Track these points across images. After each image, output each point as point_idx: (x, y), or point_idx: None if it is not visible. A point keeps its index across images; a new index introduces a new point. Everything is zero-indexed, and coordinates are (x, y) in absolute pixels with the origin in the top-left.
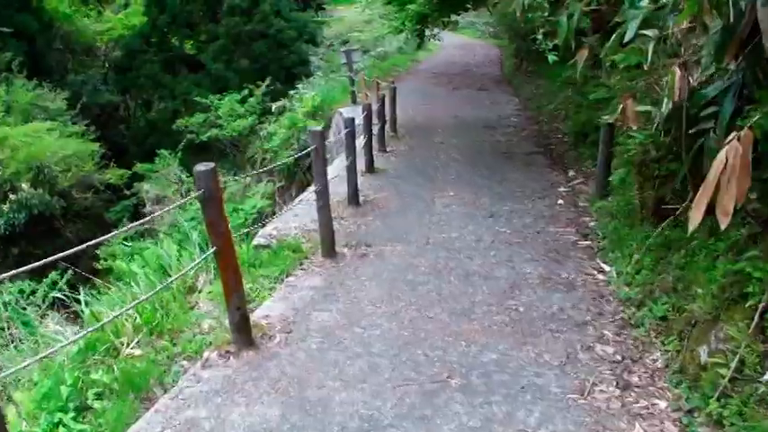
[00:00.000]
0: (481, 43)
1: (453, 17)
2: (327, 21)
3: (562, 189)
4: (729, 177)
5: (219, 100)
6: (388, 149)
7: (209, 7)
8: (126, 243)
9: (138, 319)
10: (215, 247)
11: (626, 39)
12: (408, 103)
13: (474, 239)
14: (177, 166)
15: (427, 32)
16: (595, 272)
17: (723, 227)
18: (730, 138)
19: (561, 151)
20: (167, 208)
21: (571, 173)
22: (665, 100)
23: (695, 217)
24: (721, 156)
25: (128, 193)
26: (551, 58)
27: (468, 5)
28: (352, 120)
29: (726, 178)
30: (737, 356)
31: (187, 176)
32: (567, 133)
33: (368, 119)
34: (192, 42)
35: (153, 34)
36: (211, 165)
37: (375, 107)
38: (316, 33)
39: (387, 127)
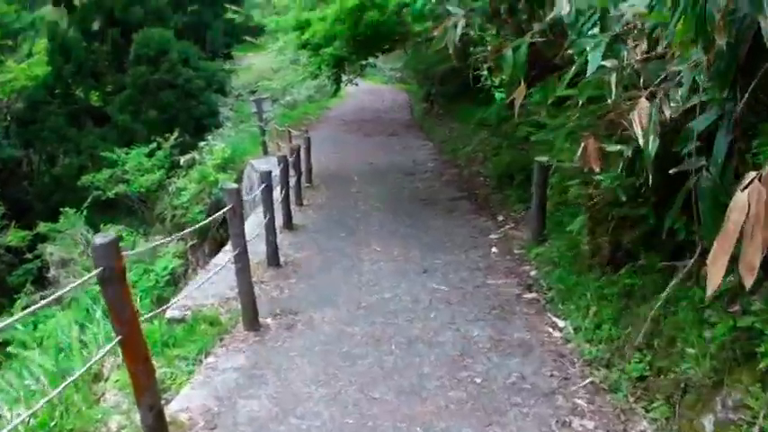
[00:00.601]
0: (389, 88)
1: (371, 59)
2: (236, 69)
3: (493, 236)
4: (753, 226)
5: (126, 154)
6: (305, 202)
7: (116, 56)
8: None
9: (33, 421)
10: (119, 337)
11: (589, 71)
12: (321, 152)
13: (410, 300)
14: (83, 226)
15: (344, 77)
16: (549, 329)
17: (748, 285)
18: (750, 179)
19: (485, 195)
20: (68, 288)
21: (500, 218)
22: (651, 137)
23: (715, 275)
24: (741, 200)
25: (30, 256)
26: (498, 96)
27: (385, 47)
28: (269, 173)
29: (749, 227)
30: (757, 427)
31: (93, 236)
32: (489, 176)
33: (284, 171)
34: (98, 93)
35: (57, 85)
36: (112, 236)
37: (290, 159)
38: (225, 82)
39: (302, 178)
